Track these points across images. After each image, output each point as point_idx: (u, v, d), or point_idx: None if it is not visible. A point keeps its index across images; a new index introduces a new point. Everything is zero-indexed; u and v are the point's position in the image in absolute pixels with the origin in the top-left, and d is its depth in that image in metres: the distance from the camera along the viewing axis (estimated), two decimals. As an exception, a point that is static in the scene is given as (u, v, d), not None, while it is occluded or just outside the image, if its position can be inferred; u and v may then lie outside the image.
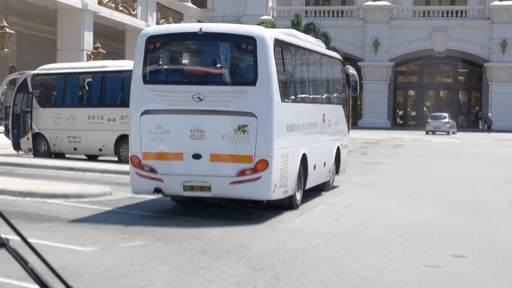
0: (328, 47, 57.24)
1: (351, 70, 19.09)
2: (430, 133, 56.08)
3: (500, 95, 64.93)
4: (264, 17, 64.43)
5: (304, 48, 15.33)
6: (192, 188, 12.58)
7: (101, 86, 23.60)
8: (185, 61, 14.22)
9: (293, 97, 14.26)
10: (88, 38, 36.78)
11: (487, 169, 25.10)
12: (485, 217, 13.59)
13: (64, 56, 34.35)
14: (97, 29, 38.90)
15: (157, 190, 12.72)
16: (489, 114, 62.54)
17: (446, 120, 56.59)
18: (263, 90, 12.49)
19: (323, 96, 16.83)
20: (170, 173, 12.61)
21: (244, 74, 13.10)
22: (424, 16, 67.16)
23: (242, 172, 12.38)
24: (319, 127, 16.00)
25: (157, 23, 45.50)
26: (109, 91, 23.49)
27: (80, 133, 23.62)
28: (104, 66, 24.06)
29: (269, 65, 12.51)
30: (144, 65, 12.88)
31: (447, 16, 66.65)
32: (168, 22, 47.47)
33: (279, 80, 12.81)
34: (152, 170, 12.64)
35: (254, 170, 12.35)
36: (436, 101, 74.95)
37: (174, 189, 12.69)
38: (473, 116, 73.67)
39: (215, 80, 12.97)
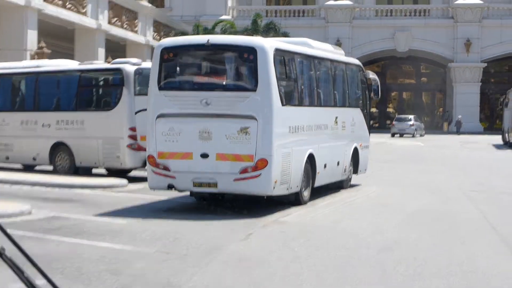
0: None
1: (371, 75, 20.21)
2: (396, 135, 54.77)
3: (465, 96, 63.70)
4: (224, 17, 62.55)
5: (310, 56, 16.23)
6: (200, 184, 13.91)
7: (35, 88, 21.45)
8: (194, 69, 15.23)
9: (296, 101, 15.31)
10: (31, 37, 34.38)
11: (456, 175, 23.45)
12: (461, 236, 11.78)
13: (6, 56, 31.96)
14: (44, 28, 36.57)
15: (170, 186, 14.13)
16: (459, 116, 61.27)
17: (411, 122, 55.23)
18: (263, 95, 13.71)
19: (336, 100, 17.83)
20: (181, 171, 13.94)
21: (246, 81, 14.24)
22: (387, 15, 65.74)
23: (244, 170, 13.58)
24: (330, 128, 17.12)
25: (109, 22, 43.32)
26: (43, 94, 21.34)
27: (13, 140, 21.43)
28: (38, 66, 21.90)
29: (268, 73, 13.71)
30: (159, 74, 14.29)
31: (410, 15, 65.28)
32: (121, 21, 45.31)
33: (280, 86, 14.07)
34: (165, 168, 14.01)
35: (255, 168, 13.55)
36: (399, 103, 73.69)
37: (185, 185, 14.08)
38: (437, 118, 72.51)
39: (221, 86, 14.24)
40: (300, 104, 15.57)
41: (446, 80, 69.03)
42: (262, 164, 13.57)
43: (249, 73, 14.21)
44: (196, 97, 13.96)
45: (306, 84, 16.09)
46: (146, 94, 15.46)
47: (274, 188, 13.80)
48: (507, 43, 63.34)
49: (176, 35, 54.18)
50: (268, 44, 14.11)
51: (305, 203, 15.26)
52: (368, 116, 20.45)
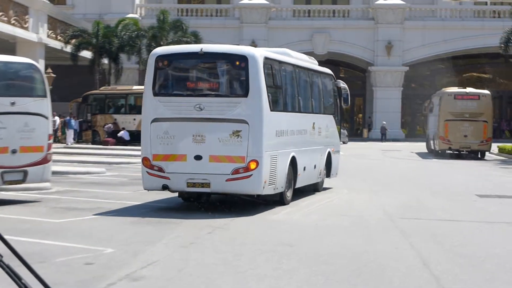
0: (199, 47, 51.37)
1: (342, 84, 21.38)
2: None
3: (385, 101, 60.66)
4: (131, 15, 58.12)
5: (293, 65, 17.39)
6: (194, 184, 14.74)
7: None
8: (188, 76, 15.94)
9: (282, 107, 16.34)
10: None
11: (380, 193, 19.60)
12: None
13: None
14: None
15: (165, 187, 14.91)
16: (384, 122, 58.12)
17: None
18: (253, 101, 14.65)
19: (313, 107, 18.89)
20: (175, 172, 14.78)
21: (238, 87, 15.11)
22: (304, 16, 62.22)
23: (236, 171, 14.50)
24: (309, 133, 18.27)
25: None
26: None
27: None
28: None
29: (259, 80, 14.66)
30: (154, 80, 15.14)
31: (329, 16, 61.92)
32: (7, 16, 40.30)
33: (269, 92, 15.00)
34: (160, 169, 14.84)
35: (246, 168, 14.49)
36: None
37: (179, 185, 14.91)
38: (357, 124, 69.27)
39: (213, 92, 15.14)
40: (285, 110, 16.57)
41: (366, 84, 65.95)
42: (253, 165, 14.55)
43: (240, 80, 15.05)
44: (190, 103, 14.85)
45: (289, 91, 17.09)
46: None
47: (263, 188, 14.80)
48: (430, 46, 60.64)
49: (74, 32, 49.45)
50: (258, 53, 15.07)
51: (288, 203, 16.39)
52: (339, 123, 21.66)
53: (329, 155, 20.11)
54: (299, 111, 17.67)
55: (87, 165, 27.32)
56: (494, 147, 39.80)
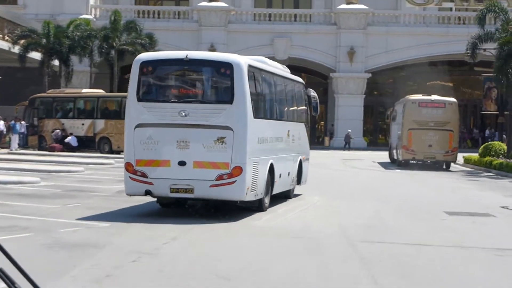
0: (154, 50, 49.18)
1: (312, 93, 21.53)
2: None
3: (347, 109, 59.00)
4: (84, 16, 55.75)
5: (271, 73, 17.72)
6: (177, 190, 14.84)
7: None
8: (173, 82, 15.98)
9: (262, 114, 16.51)
10: None
11: (338, 209, 17.71)
12: None
13: None
14: None
15: (148, 192, 15.00)
16: (349, 130, 56.46)
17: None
18: (238, 108, 14.91)
19: (288, 115, 19.32)
20: (159, 177, 14.88)
21: (223, 94, 15.48)
22: (265, 20, 60.33)
23: (220, 177, 14.69)
24: (284, 141, 18.47)
25: None
26: None
27: None
28: None
29: (243, 87, 14.96)
30: (138, 86, 15.27)
31: (291, 20, 60.11)
32: None
33: (252, 100, 15.28)
34: (143, 174, 14.93)
35: (230, 175, 14.70)
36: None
37: (162, 191, 14.96)
38: (318, 132, 67.46)
39: (198, 99, 15.41)
40: (265, 117, 16.72)
41: (328, 91, 64.25)
42: (237, 171, 14.64)
43: (225, 87, 15.24)
44: (175, 109, 14.91)
45: (268, 99, 17.39)
46: None
47: (246, 194, 14.92)
48: (393, 52, 59.13)
49: (23, 32, 46.99)
50: (243, 61, 15.25)
51: (266, 209, 16.51)
52: (309, 131, 21.80)
53: (300, 162, 20.26)
54: (277, 119, 18.03)
55: (23, 174, 25.03)
56: (460, 157, 38.19)
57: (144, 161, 14.89)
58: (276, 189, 17.52)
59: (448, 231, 14.57)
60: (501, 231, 15.12)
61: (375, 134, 66.82)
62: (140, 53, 48.91)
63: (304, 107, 20.97)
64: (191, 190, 14.73)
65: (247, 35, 59.25)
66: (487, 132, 59.84)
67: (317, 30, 59.39)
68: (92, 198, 18.56)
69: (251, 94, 15.24)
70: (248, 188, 14.93)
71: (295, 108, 20.15)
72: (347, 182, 26.73)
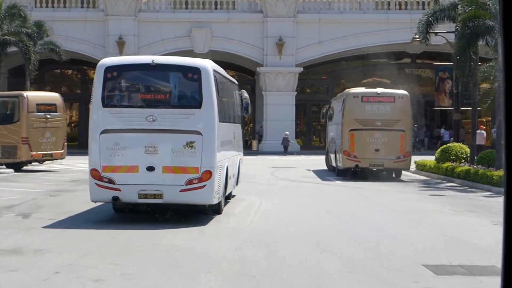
0: (44, 41, 41.22)
1: (245, 94, 21.39)
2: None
3: (277, 108, 51.97)
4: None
5: (224, 76, 18.29)
6: (146, 196, 14.91)
7: None
8: (139, 87, 15.92)
9: (222, 117, 16.36)
10: None
11: (251, 266, 10.55)
12: None
13: None
14: None
15: (115, 198, 14.98)
16: (287, 133, 49.55)
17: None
18: (207, 112, 15.12)
19: (234, 117, 19.41)
20: (126, 183, 14.87)
21: (191, 99, 15.55)
22: (182, 8, 52.80)
23: (190, 181, 14.85)
24: (232, 143, 18.66)
25: None
26: None
27: None
28: None
29: (211, 91, 15.21)
30: (103, 91, 15.22)
31: (211, 8, 52.70)
32: None
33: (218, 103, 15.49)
34: (110, 181, 14.91)
35: (200, 179, 14.86)
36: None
37: (130, 197, 14.99)
38: (247, 135, 60.10)
39: (166, 104, 15.38)
40: (223, 120, 16.57)
41: (256, 89, 57.16)
42: (207, 175, 14.89)
43: (193, 91, 15.42)
44: (142, 114, 15.02)
45: (225, 102, 17.36)
46: None
47: (214, 197, 15.24)
48: (327, 43, 52.26)
49: None
50: (209, 65, 15.59)
51: (221, 212, 16.60)
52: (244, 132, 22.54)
53: (239, 163, 20.60)
54: (229, 121, 18.04)
55: None
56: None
57: (111, 167, 14.92)
58: (227, 191, 17.72)
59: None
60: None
61: (309, 135, 59.94)
62: (26, 45, 42.11)
63: (239, 109, 20.82)
64: (160, 196, 14.81)
65: (161, 25, 51.79)
66: (442, 131, 52.85)
67: (241, 19, 52.17)
68: None
69: (216, 97, 15.45)
70: (216, 192, 15.21)
71: (236, 109, 20.15)
72: (272, 205, 19.40)
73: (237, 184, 20.48)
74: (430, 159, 32.36)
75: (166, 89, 15.79)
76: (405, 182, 28.00)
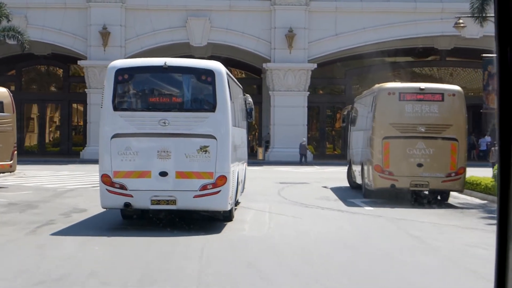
0: (2, 27, 34.29)
1: (249, 99, 20.74)
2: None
3: (286, 110, 44.92)
4: None
5: (233, 79, 17.78)
6: (158, 202, 14.66)
7: None
8: (151, 90, 15.64)
9: (234, 121, 16.08)
10: None
11: None
12: None
13: None
14: None
15: (127, 205, 14.68)
16: (304, 139, 42.73)
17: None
18: (221, 116, 14.90)
19: (242, 121, 19.19)
20: (139, 189, 14.61)
21: (204, 102, 15.21)
22: (176, -5, 45.83)
23: (204, 187, 14.55)
24: (239, 149, 18.11)
25: None
26: None
27: None
28: None
29: (225, 94, 14.99)
30: (114, 94, 15.00)
31: (210, -5, 45.66)
32: None
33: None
34: (122, 187, 14.66)
35: (215, 184, 14.58)
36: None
37: (143, 203, 14.73)
38: (253, 141, 52.87)
39: (179, 107, 15.11)
40: (235, 124, 16.32)
41: (262, 89, 50.11)
42: (222, 181, 14.62)
43: (207, 94, 15.13)
44: (154, 118, 14.77)
45: (235, 105, 16.91)
46: None
47: (229, 203, 15.01)
48: (344, 36, 45.22)
49: None
50: (223, 67, 15.34)
51: (233, 218, 16.27)
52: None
53: (245, 169, 20.47)
54: (238, 126, 17.75)
55: None
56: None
57: (123, 172, 14.69)
58: (237, 197, 17.53)
59: None
60: None
61: (323, 142, 52.62)
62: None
63: (245, 113, 20.16)
64: (173, 202, 14.63)
65: (152, 13, 45.05)
66: (487, 139, 44.57)
67: (245, 7, 45.15)
68: None
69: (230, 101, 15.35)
70: (230, 198, 15.06)
71: (242, 114, 19.51)
72: (273, 261, 12.11)
73: (242, 191, 19.84)
74: (475, 173, 25.11)
75: (179, 92, 15.54)
76: (459, 209, 20.61)
